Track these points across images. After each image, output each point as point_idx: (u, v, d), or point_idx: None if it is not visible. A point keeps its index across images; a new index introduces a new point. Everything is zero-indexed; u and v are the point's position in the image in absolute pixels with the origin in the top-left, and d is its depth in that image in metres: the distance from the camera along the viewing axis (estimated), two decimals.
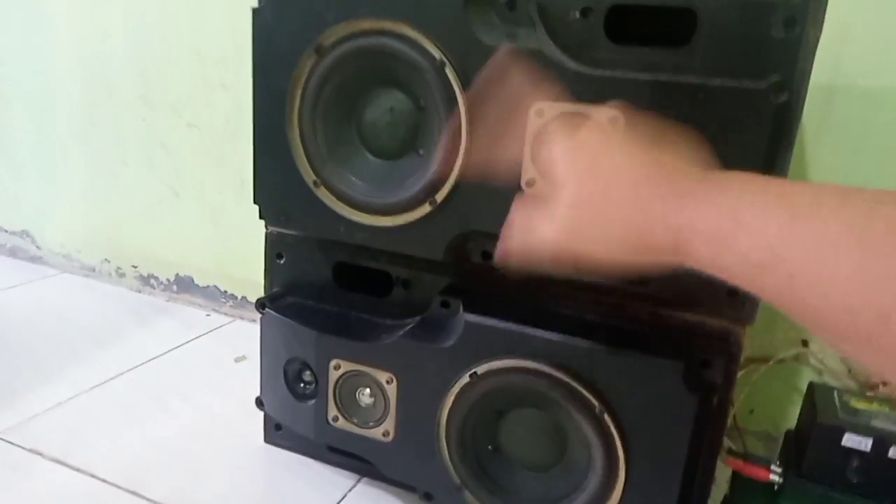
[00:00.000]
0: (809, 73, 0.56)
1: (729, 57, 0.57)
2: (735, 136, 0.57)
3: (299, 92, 0.69)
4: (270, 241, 0.82)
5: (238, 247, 1.30)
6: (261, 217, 0.77)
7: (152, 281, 1.43)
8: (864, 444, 0.64)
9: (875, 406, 0.70)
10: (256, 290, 0.85)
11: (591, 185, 0.45)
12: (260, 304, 0.80)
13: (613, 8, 0.59)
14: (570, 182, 0.46)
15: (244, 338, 1.23)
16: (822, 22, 0.55)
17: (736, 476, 0.74)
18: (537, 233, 0.47)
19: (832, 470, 0.66)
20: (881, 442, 0.63)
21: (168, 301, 1.40)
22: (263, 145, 0.74)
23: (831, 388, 0.74)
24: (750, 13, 0.56)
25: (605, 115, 0.52)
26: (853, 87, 0.87)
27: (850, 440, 0.64)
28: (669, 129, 0.47)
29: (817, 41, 0.56)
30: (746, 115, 0.56)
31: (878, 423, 0.66)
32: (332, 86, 0.68)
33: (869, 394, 0.83)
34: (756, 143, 0.57)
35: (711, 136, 0.56)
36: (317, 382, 0.77)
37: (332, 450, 0.83)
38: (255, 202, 0.76)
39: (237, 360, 1.14)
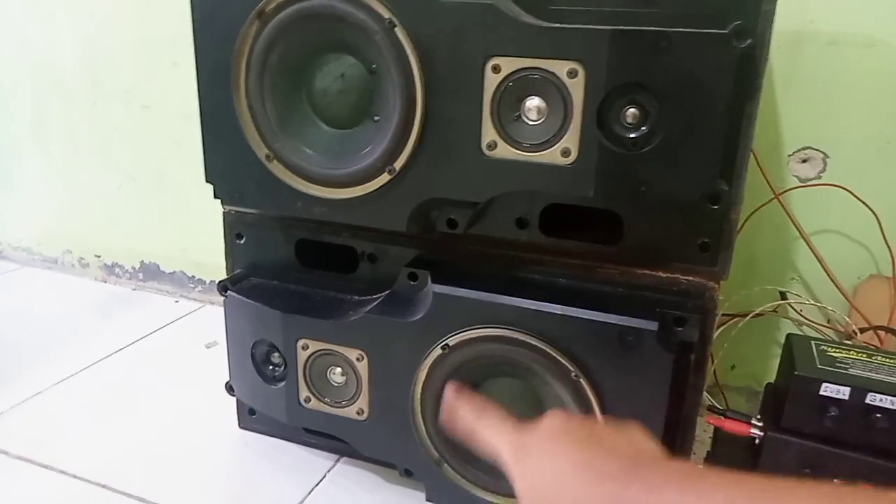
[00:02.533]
0: (773, 16, 0.54)
1: (690, 3, 0.55)
2: (698, 86, 0.55)
3: (244, 62, 0.65)
4: (229, 221, 0.79)
5: (203, 230, 1.26)
6: (216, 196, 0.74)
7: (117, 270, 1.39)
8: (842, 392, 0.63)
9: (853, 354, 0.70)
10: (224, 273, 0.82)
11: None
12: (222, 287, 0.77)
13: None
14: None
15: (215, 323, 1.18)
16: None
17: (718, 432, 0.74)
18: None
19: (812, 421, 0.65)
20: (859, 390, 0.63)
21: (134, 290, 1.37)
22: (211, 121, 0.70)
23: (809, 339, 0.73)
24: None
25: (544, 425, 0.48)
26: (821, 33, 0.86)
27: (828, 389, 0.64)
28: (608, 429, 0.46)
29: None
30: (709, 63, 0.54)
31: (855, 371, 0.65)
32: (277, 53, 0.64)
33: (847, 342, 0.83)
34: (721, 90, 0.55)
35: (674, 87, 0.55)
36: (286, 364, 0.75)
37: (308, 431, 0.82)
38: (207, 181, 0.73)
39: (208, 346, 1.11)
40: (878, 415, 0.63)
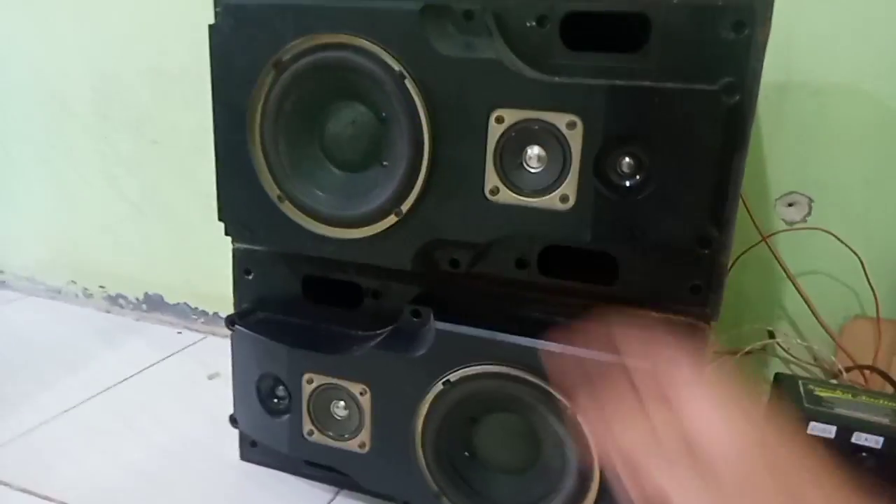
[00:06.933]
0: (760, 73, 0.58)
1: (682, 60, 0.59)
2: (690, 138, 0.58)
3: (259, 108, 0.68)
4: (238, 257, 0.81)
5: (208, 262, 1.28)
6: (227, 234, 0.77)
7: (120, 301, 1.41)
8: (829, 431, 0.66)
9: (838, 394, 0.72)
10: (228, 305, 0.84)
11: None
12: (230, 321, 0.79)
13: (569, 15, 0.60)
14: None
15: (217, 354, 1.21)
16: (770, 23, 0.57)
17: None
18: None
19: None
20: (844, 429, 0.65)
21: (138, 320, 1.38)
22: (226, 162, 0.73)
23: (796, 378, 0.76)
24: (700, 17, 0.57)
25: None
26: (805, 83, 0.90)
27: (815, 428, 0.66)
28: None
29: (766, 42, 0.57)
30: (700, 116, 0.58)
31: (841, 411, 0.68)
32: (292, 100, 0.68)
33: (833, 381, 0.85)
34: (710, 144, 0.58)
35: (667, 139, 0.59)
36: (290, 397, 0.77)
37: (309, 464, 0.83)
38: (219, 219, 0.75)
39: (210, 377, 1.13)
40: (864, 454, 0.65)
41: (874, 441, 0.65)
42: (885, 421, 0.67)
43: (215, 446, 0.92)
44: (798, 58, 0.89)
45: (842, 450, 0.65)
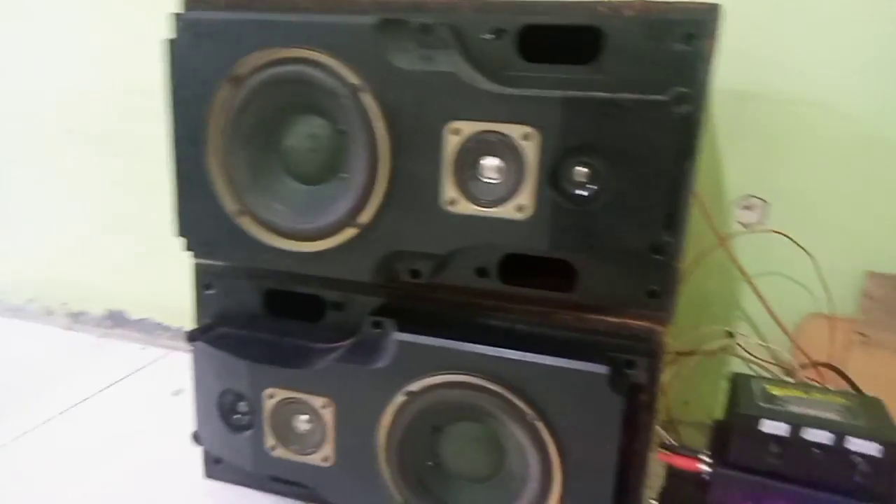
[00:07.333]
0: (709, 83, 0.60)
1: (634, 71, 0.60)
2: (642, 148, 0.60)
3: (217, 122, 0.68)
4: (198, 272, 0.81)
5: (172, 276, 1.26)
6: (187, 249, 0.76)
7: (82, 317, 1.38)
8: (781, 428, 0.68)
9: (792, 391, 0.74)
10: (192, 318, 0.83)
11: None
12: (190, 337, 0.78)
13: (525, 28, 0.62)
14: None
15: (181, 369, 1.19)
16: (717, 35, 0.58)
17: (670, 468, 0.77)
18: None
19: (756, 456, 0.69)
20: (796, 426, 0.67)
21: (101, 337, 1.35)
22: (183, 176, 0.73)
23: (750, 378, 0.78)
24: (653, 29, 0.59)
25: None
26: (762, 92, 0.92)
27: (768, 426, 0.68)
28: None
29: (714, 53, 0.59)
30: (652, 126, 0.59)
31: (794, 409, 0.70)
32: (250, 114, 0.68)
33: (788, 379, 0.88)
34: (662, 153, 0.59)
35: (620, 149, 0.60)
36: (252, 413, 0.76)
37: (275, 479, 0.82)
38: (178, 235, 0.75)
39: (174, 393, 1.11)
40: (815, 449, 0.67)
41: (825, 437, 0.67)
42: (836, 417, 0.69)
43: (180, 464, 0.91)
44: (757, 67, 0.92)
45: (795, 445, 0.67)
